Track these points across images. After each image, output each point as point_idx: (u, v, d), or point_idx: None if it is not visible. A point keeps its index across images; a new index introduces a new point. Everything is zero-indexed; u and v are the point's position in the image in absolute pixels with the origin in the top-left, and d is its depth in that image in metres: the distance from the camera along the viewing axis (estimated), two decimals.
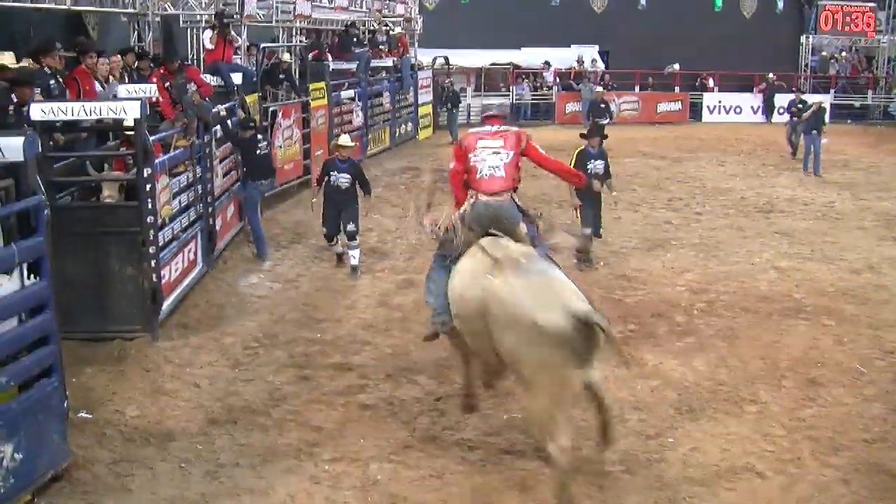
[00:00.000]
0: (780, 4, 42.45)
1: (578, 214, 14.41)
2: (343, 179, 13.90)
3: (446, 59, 34.30)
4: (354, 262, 14.04)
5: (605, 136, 14.90)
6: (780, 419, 9.00)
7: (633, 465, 8.00)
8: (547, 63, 37.18)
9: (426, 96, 31.09)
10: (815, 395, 9.64)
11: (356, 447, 8.30)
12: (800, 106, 26.38)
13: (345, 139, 14.76)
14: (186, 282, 12.60)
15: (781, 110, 33.23)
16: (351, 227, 13.94)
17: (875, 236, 17.19)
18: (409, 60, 29.14)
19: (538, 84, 37.14)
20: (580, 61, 37.80)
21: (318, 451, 8.24)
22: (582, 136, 15.02)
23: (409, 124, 29.44)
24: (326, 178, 14.01)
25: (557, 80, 36.98)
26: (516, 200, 8.44)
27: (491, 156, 8.45)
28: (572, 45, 38.20)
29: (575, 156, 14.36)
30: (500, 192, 8.29)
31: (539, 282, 7.27)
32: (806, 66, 42.31)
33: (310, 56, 22.97)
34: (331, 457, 8.13)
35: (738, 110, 37.34)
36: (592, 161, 14.39)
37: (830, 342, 11.25)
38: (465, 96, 34.55)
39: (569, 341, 6.90)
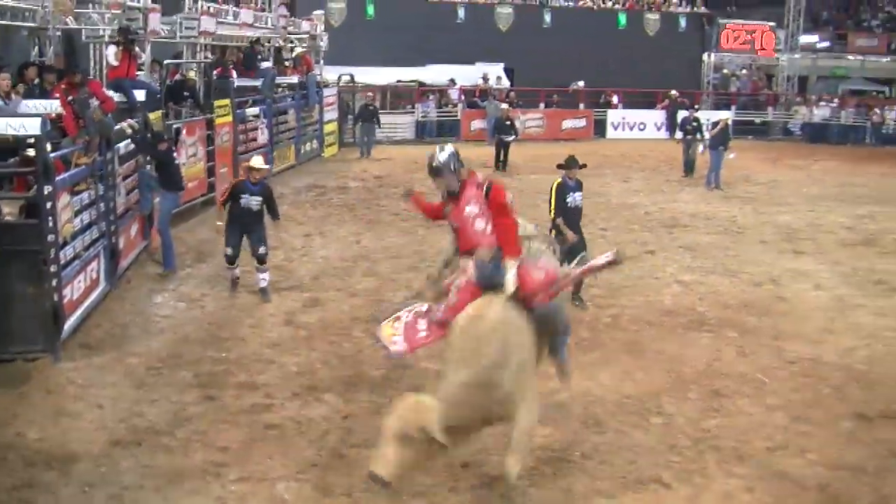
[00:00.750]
0: (683, 23, 43.33)
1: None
2: (254, 202, 13.40)
3: (352, 76, 34.29)
4: (264, 284, 13.69)
5: (583, 166, 13.66)
6: (685, 430, 9.12)
7: (541, 479, 8.03)
8: (452, 81, 37.34)
9: (331, 113, 30.99)
10: (718, 405, 9.80)
11: (263, 467, 8.22)
12: (694, 124, 26.74)
13: (258, 161, 14.02)
14: (89, 301, 12.34)
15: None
16: (262, 249, 13.55)
17: (776, 249, 17.56)
18: (315, 78, 29.05)
19: (444, 101, 37.26)
20: (485, 78, 38.02)
21: (225, 471, 8.13)
22: (559, 166, 13.70)
23: (315, 141, 29.30)
24: (235, 200, 13.42)
25: (462, 97, 37.14)
26: None
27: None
28: (477, 63, 38.45)
29: (554, 190, 13.29)
30: None
31: None
32: (708, 83, 43.24)
33: (214, 73, 22.76)
34: (237, 477, 8.03)
35: (641, 127, 37.90)
36: (572, 193, 13.35)
37: (733, 354, 11.45)
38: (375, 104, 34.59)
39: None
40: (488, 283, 7.67)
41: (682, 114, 30.94)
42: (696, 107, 30.79)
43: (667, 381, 10.33)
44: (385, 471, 7.09)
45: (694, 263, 16.10)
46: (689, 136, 26.76)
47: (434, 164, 7.89)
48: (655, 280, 14.94)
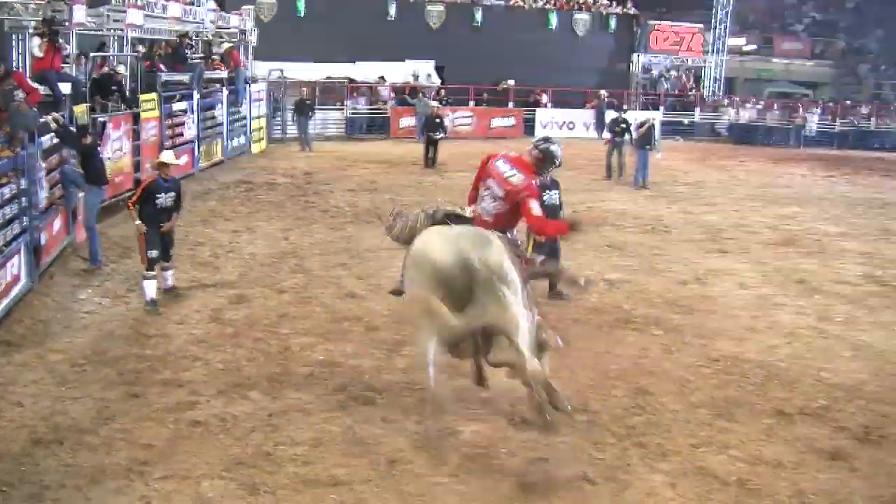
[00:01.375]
0: (613, 24, 43.69)
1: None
2: (169, 200, 12.84)
3: (281, 71, 34.12)
4: (173, 282, 13.24)
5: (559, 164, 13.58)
6: (610, 427, 9.18)
7: (467, 476, 8.04)
8: (382, 78, 37.30)
9: (260, 109, 30.82)
10: (644, 403, 9.88)
11: (187, 465, 8.14)
12: (622, 125, 26.89)
13: (169, 156, 13.47)
14: (10, 297, 12.15)
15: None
16: (172, 249, 13.23)
17: (702, 249, 17.77)
18: (244, 73, 28.87)
19: (374, 98, 37.21)
20: (415, 76, 38.04)
21: (149, 469, 8.04)
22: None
23: (243, 137, 29.13)
24: (150, 202, 12.68)
25: (393, 94, 37.12)
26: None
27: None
28: (407, 60, 38.46)
29: None
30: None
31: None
32: (637, 83, 43.62)
33: (143, 67, 22.52)
34: (161, 475, 7.94)
35: (570, 126, 38.21)
36: (549, 192, 13.23)
37: (658, 351, 11.56)
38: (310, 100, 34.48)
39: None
40: None
41: (610, 114, 31.16)
42: (625, 107, 30.95)
43: (592, 379, 10.39)
44: None
45: (621, 262, 16.24)
46: (617, 138, 26.86)
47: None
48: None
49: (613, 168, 26.88)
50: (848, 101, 45.74)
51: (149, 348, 11.15)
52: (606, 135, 28.13)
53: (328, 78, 36.98)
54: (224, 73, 27.74)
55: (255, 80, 30.95)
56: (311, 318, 12.44)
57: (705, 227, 19.86)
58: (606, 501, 7.77)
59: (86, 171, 14.79)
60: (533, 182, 8.96)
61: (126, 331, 11.77)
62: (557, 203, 13.77)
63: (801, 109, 42.72)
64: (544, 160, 9.31)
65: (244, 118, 29.13)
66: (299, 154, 29.93)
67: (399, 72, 38.08)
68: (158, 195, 12.72)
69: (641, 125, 26.06)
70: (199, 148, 24.63)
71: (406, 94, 37.22)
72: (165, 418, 9.10)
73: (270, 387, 9.98)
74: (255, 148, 30.15)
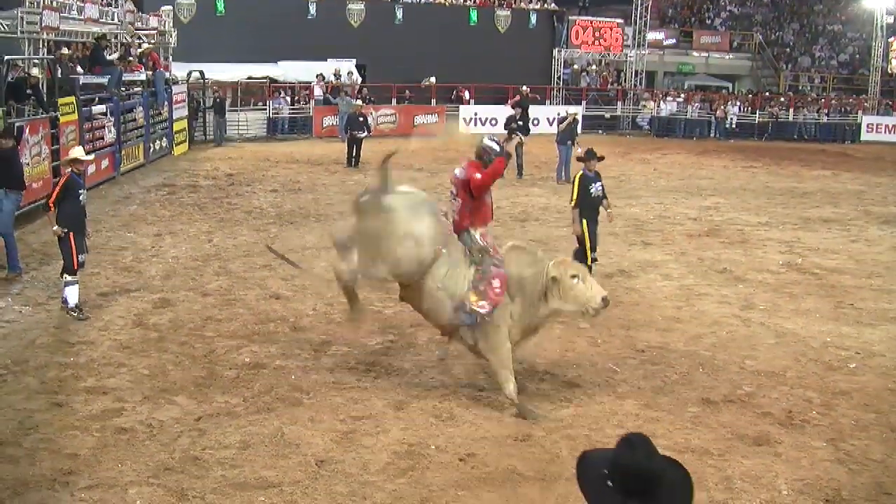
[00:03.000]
0: (534, 20, 44.01)
1: (586, 236, 14.32)
2: (84, 196, 12.70)
3: (201, 72, 33.84)
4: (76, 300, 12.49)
5: (601, 158, 14.81)
6: (538, 420, 9.26)
7: (394, 473, 8.06)
8: (321, 76, 37.21)
9: (181, 111, 30.55)
10: (571, 395, 9.97)
11: (114, 473, 8.04)
12: (519, 122, 26.66)
13: (79, 151, 13.22)
14: None
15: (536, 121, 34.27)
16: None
17: (626, 241, 17.97)
18: (163, 75, 28.61)
19: (296, 98, 37.08)
20: (337, 75, 37.96)
21: (74, 479, 7.92)
22: (579, 159, 15.17)
23: (164, 140, 28.83)
24: (72, 198, 12.43)
25: (326, 91, 37.01)
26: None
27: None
28: (329, 59, 38.36)
29: (577, 181, 14.37)
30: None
31: None
32: (559, 78, 43.91)
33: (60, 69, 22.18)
34: (87, 484, 7.83)
35: (493, 122, 38.29)
36: (594, 184, 14.42)
37: (585, 344, 11.67)
38: (225, 98, 34.32)
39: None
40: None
41: (541, 109, 31.19)
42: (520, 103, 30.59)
43: (520, 373, 10.42)
44: None
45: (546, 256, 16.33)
46: (513, 135, 26.59)
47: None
48: None
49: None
50: (766, 93, 46.53)
51: (72, 356, 10.98)
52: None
53: (249, 78, 36.76)
54: (143, 76, 27.44)
55: (175, 82, 30.64)
56: (236, 320, 12.36)
57: (629, 220, 20.05)
58: (536, 494, 7.82)
59: (3, 176, 14.52)
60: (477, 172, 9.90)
61: (48, 339, 11.58)
62: (601, 194, 14.59)
63: (720, 102, 43.36)
64: (483, 152, 10.11)
65: (165, 121, 28.82)
66: (221, 156, 29.70)
67: (321, 70, 37.92)
68: (81, 191, 12.60)
69: (563, 120, 26.22)
70: (119, 151, 24.32)
71: (328, 93, 37.13)
72: (90, 426, 8.98)
73: (197, 391, 9.90)
74: (177, 150, 29.88)
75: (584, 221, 14.24)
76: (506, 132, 26.76)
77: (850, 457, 8.64)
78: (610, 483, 3.63)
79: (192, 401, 9.65)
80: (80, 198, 12.58)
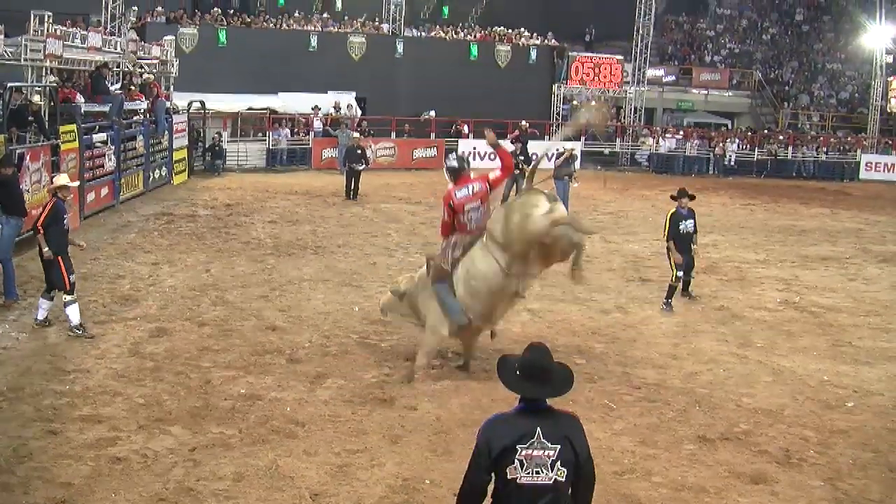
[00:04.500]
0: (534, 55, 44.11)
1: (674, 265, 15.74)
2: (67, 221, 13.16)
3: (202, 102, 33.93)
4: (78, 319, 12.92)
5: (692, 197, 16.03)
6: None
7: None
8: (317, 108, 37.29)
9: (181, 140, 30.60)
10: None
11: (107, 503, 8.01)
12: (521, 157, 26.58)
13: (65, 178, 13.75)
14: None
15: (535, 157, 34.10)
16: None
17: (623, 277, 17.97)
18: (164, 104, 28.70)
19: (295, 129, 37.16)
20: (337, 107, 38.07)
21: None
22: (672, 197, 16.16)
23: (164, 168, 28.88)
24: (58, 223, 12.87)
25: (325, 123, 37.07)
26: None
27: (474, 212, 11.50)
28: (329, 91, 38.47)
29: (668, 218, 15.71)
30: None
31: None
32: (558, 113, 44.00)
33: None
34: None
35: (492, 156, 38.10)
36: (684, 221, 15.67)
37: (581, 380, 11.57)
38: (222, 141, 34.30)
39: None
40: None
41: (540, 144, 31.03)
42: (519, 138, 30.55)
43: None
44: None
45: (543, 291, 16.25)
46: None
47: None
48: None
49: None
50: (765, 131, 46.61)
51: (67, 384, 10.96)
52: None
53: (249, 109, 36.87)
54: (144, 105, 27.52)
55: (175, 111, 30.73)
56: (233, 350, 12.34)
57: (626, 256, 20.09)
58: None
59: (4, 202, 14.59)
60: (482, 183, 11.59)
61: (44, 366, 11.56)
62: (692, 230, 15.82)
63: (719, 139, 43.42)
64: (451, 171, 11.70)
65: (165, 150, 28.88)
66: (220, 185, 29.73)
67: (320, 103, 38.04)
68: (65, 215, 13.06)
69: (559, 155, 26.12)
70: (119, 180, 24.36)
71: (328, 126, 37.23)
72: (85, 455, 8.95)
73: (192, 421, 9.87)
74: (177, 179, 29.94)
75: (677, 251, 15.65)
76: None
77: (847, 496, 8.62)
78: (518, 372, 5.42)
79: (187, 431, 9.63)
80: (65, 222, 13.04)
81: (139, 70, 28.52)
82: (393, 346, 12.76)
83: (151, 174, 27.43)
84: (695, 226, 15.90)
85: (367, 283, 16.32)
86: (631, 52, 45.13)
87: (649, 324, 14.67)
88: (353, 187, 28.23)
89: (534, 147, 34.68)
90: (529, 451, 5.17)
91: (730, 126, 48.71)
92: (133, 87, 27.36)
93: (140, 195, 26.05)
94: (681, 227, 15.60)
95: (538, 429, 5.21)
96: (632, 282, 17.68)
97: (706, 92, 49.82)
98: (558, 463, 5.23)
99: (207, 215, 23.72)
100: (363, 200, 27.35)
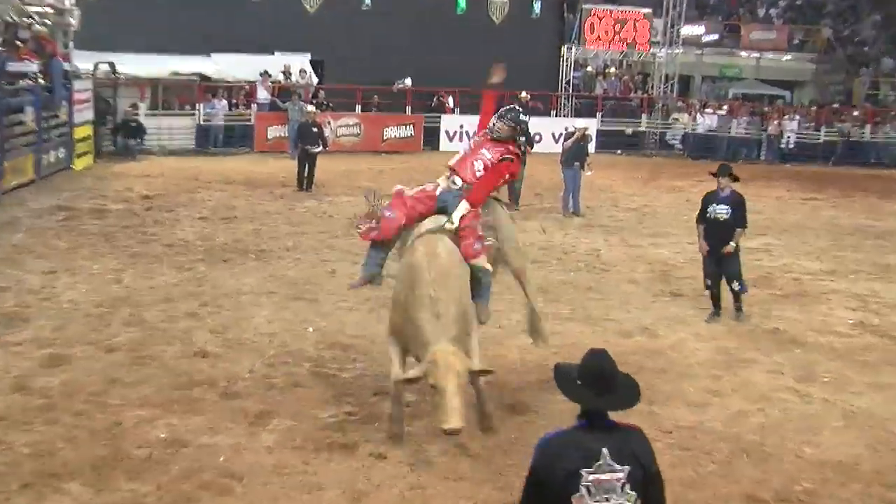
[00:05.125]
0: (537, 8, 43.78)
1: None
2: None
3: (112, 65, 33.81)
4: None
5: (736, 178, 16.16)
6: None
7: None
8: (266, 73, 37.15)
9: (85, 114, 30.46)
10: None
11: None
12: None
13: None
14: None
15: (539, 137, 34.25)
16: None
17: (649, 291, 17.96)
18: (61, 65, 28.55)
19: (235, 101, 37.02)
20: (287, 73, 37.99)
21: None
22: (711, 173, 16.42)
23: (62, 150, 28.74)
24: None
25: (273, 94, 36.96)
26: None
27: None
28: (277, 53, 38.40)
29: (703, 198, 16.20)
30: None
31: None
32: (567, 83, 43.77)
33: None
34: None
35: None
36: (715, 204, 15.76)
37: None
38: (139, 115, 34.16)
39: None
40: (443, 203, 11.29)
41: (547, 121, 31.09)
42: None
43: (518, 448, 10.42)
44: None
45: (547, 309, 16.20)
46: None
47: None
48: (498, 330, 14.76)
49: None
50: (835, 105, 46.51)
51: None
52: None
53: (174, 74, 36.73)
54: (34, 66, 27.38)
55: (77, 76, 30.59)
56: (150, 383, 12.25)
57: (653, 265, 20.09)
58: None
59: None
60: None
61: None
62: (724, 218, 15.71)
63: (775, 116, 43.38)
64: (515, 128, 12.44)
65: (64, 125, 28.76)
66: (136, 172, 29.67)
67: (266, 67, 37.93)
68: None
69: (570, 136, 26.11)
70: (0, 163, 24.23)
71: (275, 97, 37.14)
72: None
73: (95, 476, 9.78)
74: (80, 164, 29.83)
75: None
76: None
77: None
78: (579, 382, 5.74)
79: (89, 489, 9.54)
80: None
81: (27, 21, 28.38)
82: (356, 376, 12.72)
83: (45, 157, 27.27)
84: (735, 217, 15.68)
85: (323, 297, 16.27)
86: (662, 4, 44.90)
87: (682, 350, 14.63)
88: (306, 175, 28.21)
89: (537, 125, 34.71)
90: (597, 476, 5.51)
91: (789, 99, 48.76)
92: (19, 44, 27.19)
93: (30, 184, 25.94)
94: (709, 210, 15.67)
95: (604, 448, 5.56)
96: (660, 297, 17.66)
97: (758, 55, 49.86)
98: (627, 486, 5.60)
99: (119, 210, 23.67)
100: (319, 192, 27.35)
